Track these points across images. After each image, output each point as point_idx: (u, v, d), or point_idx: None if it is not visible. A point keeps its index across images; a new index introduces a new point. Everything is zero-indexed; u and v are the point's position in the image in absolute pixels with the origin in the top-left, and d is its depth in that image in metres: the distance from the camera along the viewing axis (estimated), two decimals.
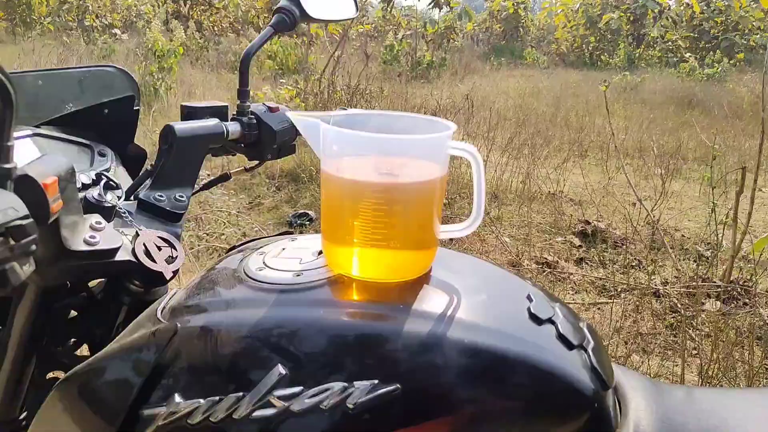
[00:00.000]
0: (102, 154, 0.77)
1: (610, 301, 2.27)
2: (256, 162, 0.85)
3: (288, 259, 0.52)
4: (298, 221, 3.22)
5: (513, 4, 17.05)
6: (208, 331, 0.46)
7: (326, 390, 0.40)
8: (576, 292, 2.40)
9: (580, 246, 2.92)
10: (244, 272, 0.50)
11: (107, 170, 0.75)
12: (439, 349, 0.42)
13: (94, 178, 0.69)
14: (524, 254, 2.75)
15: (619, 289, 2.37)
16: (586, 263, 2.73)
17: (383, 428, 0.40)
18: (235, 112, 0.79)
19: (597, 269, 2.66)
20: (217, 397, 0.42)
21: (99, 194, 0.63)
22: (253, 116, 0.78)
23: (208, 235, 2.84)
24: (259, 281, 0.48)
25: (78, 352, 0.69)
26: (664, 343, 2.01)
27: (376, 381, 0.40)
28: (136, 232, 0.62)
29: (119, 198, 0.70)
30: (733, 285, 2.29)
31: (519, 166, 4.19)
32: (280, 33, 0.77)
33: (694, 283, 2.32)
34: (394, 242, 0.47)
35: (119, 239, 0.57)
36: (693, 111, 7.08)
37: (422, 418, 0.41)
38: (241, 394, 0.41)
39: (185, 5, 12.83)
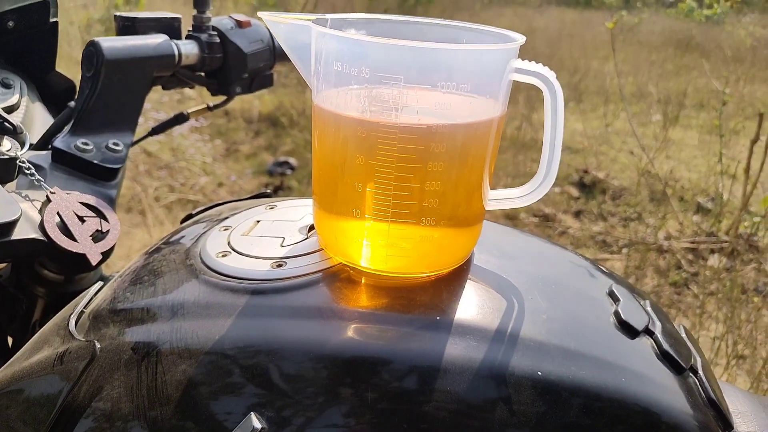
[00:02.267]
0: (6, 85, 0.57)
1: (611, 256, 2.15)
2: (223, 98, 0.65)
3: (264, 238, 0.36)
4: (279, 170, 3.02)
5: None
6: (145, 354, 0.30)
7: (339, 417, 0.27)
8: (576, 247, 2.28)
9: (579, 197, 2.78)
10: (201, 259, 0.34)
11: (13, 108, 0.55)
12: (495, 385, 0.27)
13: None
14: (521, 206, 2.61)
15: (620, 244, 2.25)
16: (585, 216, 2.60)
17: None
18: (190, 28, 0.59)
19: (596, 222, 2.53)
20: None
21: None
22: (215, 33, 0.58)
23: (182, 185, 2.63)
24: (222, 274, 0.33)
25: None
26: (669, 302, 1.91)
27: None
28: (47, 196, 0.44)
29: (22, 146, 0.51)
30: (738, 240, 2.17)
31: (512, 111, 3.99)
32: None
33: (698, 239, 2.20)
34: (428, 216, 0.31)
35: (17, 208, 0.40)
36: (692, 54, 6.85)
37: None
38: None
39: None
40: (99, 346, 0.31)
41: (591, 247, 2.26)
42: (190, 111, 0.65)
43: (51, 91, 0.61)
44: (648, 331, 0.32)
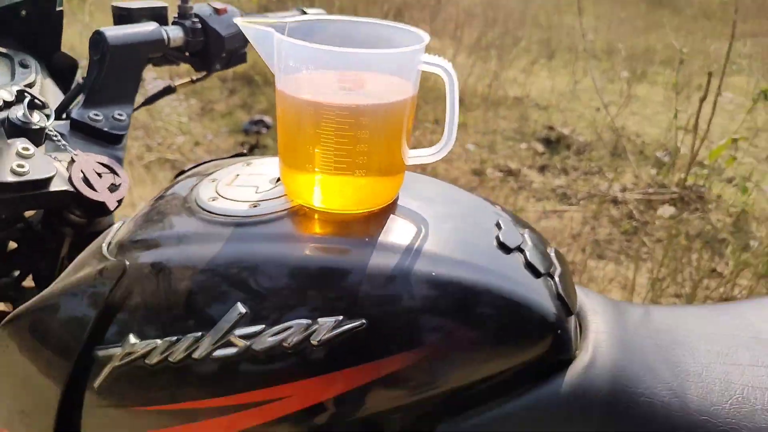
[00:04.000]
0: (24, 65, 0.66)
1: (569, 208, 2.31)
2: (204, 73, 0.75)
3: (243, 187, 0.47)
4: (254, 128, 3.07)
5: None
6: (160, 268, 0.42)
7: (289, 327, 0.39)
8: (538, 200, 2.42)
9: (544, 153, 2.91)
10: (196, 203, 0.46)
11: (31, 85, 0.64)
12: (405, 282, 0.40)
13: (17, 94, 0.59)
14: (488, 162, 2.73)
15: (579, 197, 2.40)
16: (549, 171, 2.74)
17: (348, 364, 0.39)
18: (176, 15, 0.68)
19: (559, 176, 2.67)
20: (175, 338, 0.40)
21: (24, 114, 0.53)
22: (197, 19, 0.67)
23: (159, 144, 2.68)
24: (213, 213, 0.45)
25: (25, 283, 0.64)
26: (619, 249, 2.08)
27: (340, 317, 0.39)
28: (72, 157, 0.54)
29: (48, 118, 0.60)
30: (687, 191, 2.34)
31: (486, 67, 4.06)
32: None
33: (650, 190, 2.36)
34: (359, 170, 0.43)
35: (52, 167, 0.50)
36: (664, 10, 6.90)
37: (388, 352, 0.39)
38: (200, 333, 0.39)
39: None
40: (128, 263, 0.43)
41: (551, 200, 2.41)
42: (176, 84, 0.74)
43: (57, 68, 0.69)
44: (519, 249, 0.44)
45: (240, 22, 0.41)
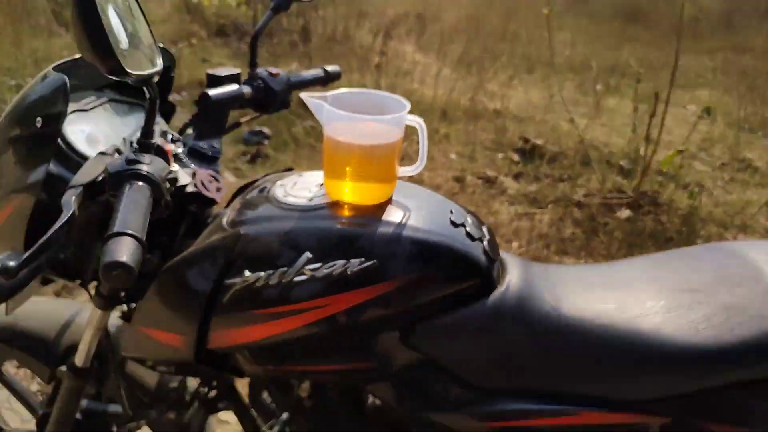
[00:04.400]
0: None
1: (538, 211, 2.60)
2: (259, 114, 1.03)
3: (301, 189, 0.76)
4: (255, 139, 3.33)
5: None
6: (262, 234, 0.71)
7: (334, 264, 0.67)
8: (511, 204, 2.71)
9: (519, 162, 3.21)
10: (275, 198, 0.75)
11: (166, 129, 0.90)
12: (396, 240, 0.69)
13: (161, 133, 0.86)
14: (468, 170, 3.01)
15: (547, 201, 2.69)
16: (523, 178, 3.03)
17: (365, 285, 0.68)
18: (247, 77, 0.96)
19: (532, 183, 2.97)
20: (272, 271, 0.67)
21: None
22: (260, 81, 0.95)
23: None
24: (286, 204, 0.73)
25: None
26: (580, 246, 2.37)
27: (363, 259, 0.67)
28: (194, 172, 0.81)
29: (178, 147, 0.87)
30: (642, 196, 2.65)
31: (469, 81, 4.35)
32: (279, 13, 0.95)
33: (610, 195, 2.66)
34: (370, 179, 0.72)
35: (189, 177, 0.78)
36: (637, 26, 7.27)
37: (387, 278, 0.68)
38: (285, 268, 0.67)
39: None
40: (242, 232, 0.70)
41: (523, 203, 2.70)
42: (242, 120, 1.02)
43: (163, 110, 0.96)
44: (463, 225, 0.72)
45: (304, 95, 0.69)
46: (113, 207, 0.60)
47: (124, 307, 0.86)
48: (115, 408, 1.01)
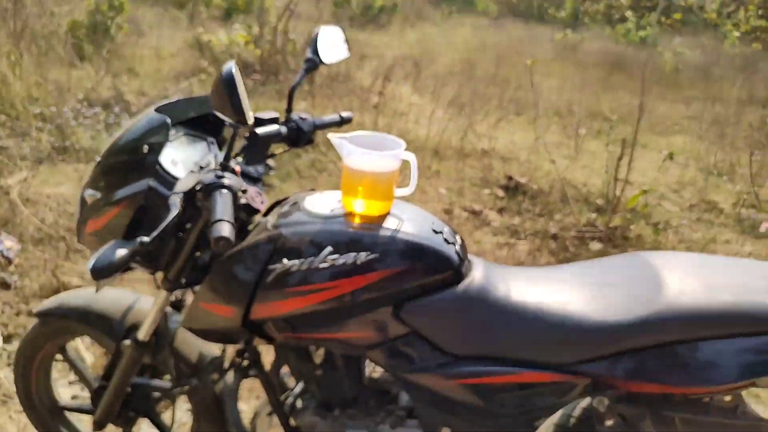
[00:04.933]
0: (213, 143, 1.22)
1: (518, 241, 2.86)
2: (289, 148, 1.26)
3: (325, 203, 1.03)
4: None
5: None
6: (296, 233, 0.97)
7: (348, 256, 0.93)
8: (494, 235, 2.98)
9: (503, 197, 3.49)
10: (305, 209, 1.01)
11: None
12: (392, 240, 0.95)
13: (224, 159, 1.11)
14: (456, 203, 3.29)
15: (527, 233, 2.96)
16: (506, 212, 3.31)
17: (367, 271, 0.94)
18: (284, 119, 1.21)
19: (514, 217, 3.24)
20: (303, 259, 0.94)
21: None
22: (294, 123, 1.20)
23: None
24: (315, 212, 1.00)
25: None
26: None
27: (368, 252, 0.94)
28: (245, 188, 1.04)
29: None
30: (613, 231, 2.92)
31: (461, 122, 4.68)
32: (310, 72, 1.19)
33: (583, 229, 2.94)
34: (376, 197, 0.99)
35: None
36: (622, 74, 7.71)
37: (383, 267, 0.94)
38: (312, 258, 0.94)
39: None
40: (282, 232, 0.96)
41: (505, 234, 2.97)
42: (276, 152, 1.24)
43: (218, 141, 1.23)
44: (441, 233, 0.99)
45: (331, 136, 0.97)
46: (207, 207, 0.89)
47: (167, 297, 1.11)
48: (158, 383, 1.24)
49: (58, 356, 1.38)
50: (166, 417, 1.33)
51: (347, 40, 1.27)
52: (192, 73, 5.19)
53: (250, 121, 0.94)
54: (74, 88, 4.34)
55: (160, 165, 1.04)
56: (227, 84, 0.89)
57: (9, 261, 2.29)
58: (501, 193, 3.54)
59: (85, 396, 1.57)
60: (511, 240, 2.91)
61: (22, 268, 2.28)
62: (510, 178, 3.64)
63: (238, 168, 1.02)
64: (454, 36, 9.81)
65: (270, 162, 1.20)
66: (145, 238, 0.88)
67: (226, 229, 0.84)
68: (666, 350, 0.93)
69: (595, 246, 2.85)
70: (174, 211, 0.90)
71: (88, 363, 1.39)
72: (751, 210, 3.76)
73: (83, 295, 1.31)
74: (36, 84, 4.22)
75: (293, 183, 3.34)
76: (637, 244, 2.94)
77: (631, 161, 2.98)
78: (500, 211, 3.32)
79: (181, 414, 1.54)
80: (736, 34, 12.26)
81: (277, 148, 1.25)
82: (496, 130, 4.77)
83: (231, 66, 0.91)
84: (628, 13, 13.16)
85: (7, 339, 1.93)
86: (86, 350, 1.67)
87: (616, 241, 2.90)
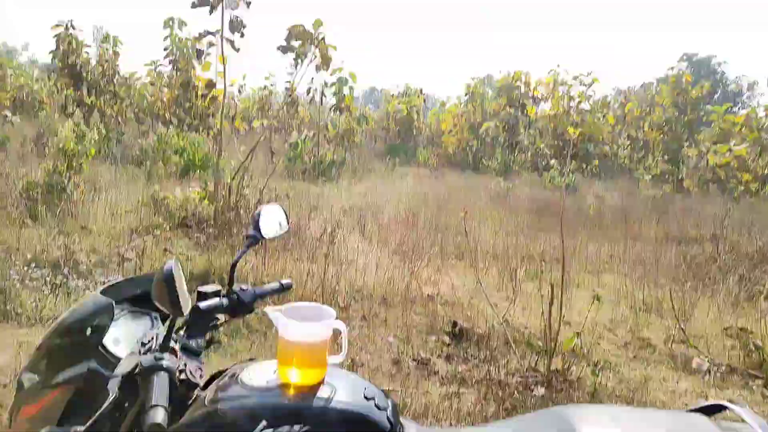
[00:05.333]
0: (156, 318, 1.28)
1: (466, 390, 2.93)
2: (232, 318, 1.34)
3: (262, 374, 1.09)
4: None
5: (407, 107, 18.98)
6: (232, 409, 1.01)
7: (282, 429, 0.97)
8: (441, 385, 3.04)
9: (449, 344, 3.61)
10: (242, 381, 1.06)
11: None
12: (325, 411, 1.01)
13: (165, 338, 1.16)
14: (404, 352, 3.37)
15: (474, 380, 3.04)
16: (453, 359, 3.40)
17: None
18: (225, 292, 1.30)
19: (460, 364, 3.33)
20: None
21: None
22: (235, 294, 1.29)
23: None
24: (251, 386, 1.05)
25: None
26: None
27: (302, 425, 0.99)
28: (185, 363, 1.11)
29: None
30: (554, 374, 3.05)
31: (406, 269, 4.92)
32: (252, 247, 1.32)
33: (526, 374, 3.05)
34: (310, 365, 1.07)
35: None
36: (551, 217, 8.43)
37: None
38: None
39: (89, 94, 12.83)
40: (219, 408, 1.02)
41: (453, 383, 3.03)
42: (218, 323, 1.30)
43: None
44: (373, 399, 1.07)
45: (268, 309, 1.08)
46: (146, 387, 0.94)
47: None
48: None
49: None
50: None
51: (287, 215, 1.43)
52: (146, 230, 5.31)
53: (185, 313, 1.04)
54: (23, 248, 4.35)
55: (102, 346, 1.10)
56: (166, 280, 1.01)
57: None
58: (447, 339, 3.66)
59: None
60: (459, 389, 2.97)
61: None
62: (455, 324, 3.79)
63: (176, 347, 1.10)
64: (399, 186, 10.61)
65: (216, 336, 1.27)
66: (80, 428, 0.93)
67: (159, 416, 0.89)
68: None
69: (539, 390, 2.95)
70: (111, 397, 0.95)
71: None
72: (682, 346, 4.02)
73: None
74: None
75: (243, 339, 3.36)
76: (579, 386, 3.06)
77: (562, 306, 3.21)
78: (447, 358, 3.41)
79: None
80: (648, 177, 13.88)
81: (219, 319, 1.34)
82: (440, 274, 5.03)
83: (171, 264, 1.03)
84: (552, 162, 14.74)
85: None
86: None
87: (559, 385, 3.01)
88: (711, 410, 1.20)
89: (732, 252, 6.28)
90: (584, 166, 15.50)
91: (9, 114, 12.68)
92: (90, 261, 4.26)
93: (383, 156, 16.22)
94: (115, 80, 13.35)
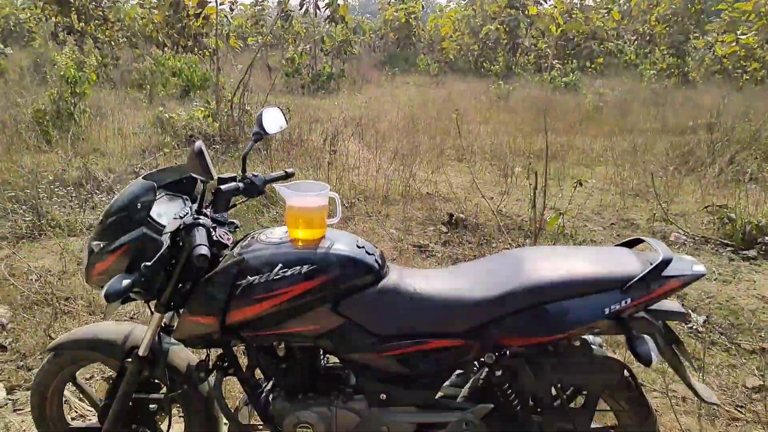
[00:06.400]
0: (187, 200, 1.55)
1: None
2: (247, 198, 1.60)
3: (275, 235, 1.38)
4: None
5: (404, 14, 18.32)
6: (255, 257, 1.32)
7: (294, 269, 1.29)
8: (438, 264, 3.39)
9: (447, 232, 3.93)
10: (260, 240, 1.36)
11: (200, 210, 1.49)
12: (327, 255, 1.32)
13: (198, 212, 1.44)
14: (405, 241, 3.70)
15: (467, 259, 3.38)
16: (450, 244, 3.74)
17: (311, 279, 1.30)
18: (240, 178, 1.55)
19: (456, 248, 3.67)
20: (261, 275, 1.30)
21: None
22: (248, 179, 1.54)
23: None
24: (268, 242, 1.35)
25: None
26: None
27: (309, 265, 1.30)
28: (215, 227, 1.40)
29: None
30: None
31: (407, 171, 5.17)
32: (257, 141, 1.55)
33: None
34: (312, 227, 1.36)
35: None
36: (549, 116, 8.50)
37: (321, 275, 1.30)
38: (268, 273, 1.29)
39: (79, 20, 12.56)
40: (244, 257, 1.32)
41: (448, 262, 3.38)
42: (237, 203, 1.60)
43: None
44: (364, 247, 1.36)
45: (275, 186, 1.36)
46: (189, 240, 1.24)
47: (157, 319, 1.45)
48: (154, 395, 1.56)
49: (69, 385, 1.67)
50: (164, 426, 1.62)
51: (285, 115, 1.68)
52: (156, 148, 5.55)
53: (215, 178, 1.31)
54: (44, 170, 4.64)
55: (150, 217, 1.38)
56: (198, 154, 1.28)
57: (2, 326, 2.54)
58: (444, 228, 3.98)
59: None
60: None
61: (15, 332, 2.53)
62: (451, 215, 4.10)
63: (209, 213, 1.40)
64: (399, 95, 10.59)
65: (236, 221, 1.54)
66: (147, 263, 1.24)
67: (204, 249, 1.21)
68: (528, 312, 1.32)
69: None
70: (165, 246, 1.27)
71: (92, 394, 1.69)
72: (664, 224, 4.32)
73: (88, 329, 1.63)
74: (7, 169, 4.50)
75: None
76: None
77: (546, 190, 3.47)
78: (444, 243, 3.75)
79: (175, 421, 1.82)
80: (652, 72, 13.64)
81: (237, 200, 1.61)
82: (438, 175, 5.28)
83: (200, 143, 1.31)
84: (555, 61, 14.45)
85: (11, 391, 2.17)
86: (89, 386, 1.94)
87: None
88: (632, 244, 1.49)
89: (726, 138, 6.40)
90: (588, 64, 15.17)
91: (1, 45, 12.53)
92: (109, 178, 4.55)
93: (383, 66, 15.92)
94: (103, 4, 13.01)
